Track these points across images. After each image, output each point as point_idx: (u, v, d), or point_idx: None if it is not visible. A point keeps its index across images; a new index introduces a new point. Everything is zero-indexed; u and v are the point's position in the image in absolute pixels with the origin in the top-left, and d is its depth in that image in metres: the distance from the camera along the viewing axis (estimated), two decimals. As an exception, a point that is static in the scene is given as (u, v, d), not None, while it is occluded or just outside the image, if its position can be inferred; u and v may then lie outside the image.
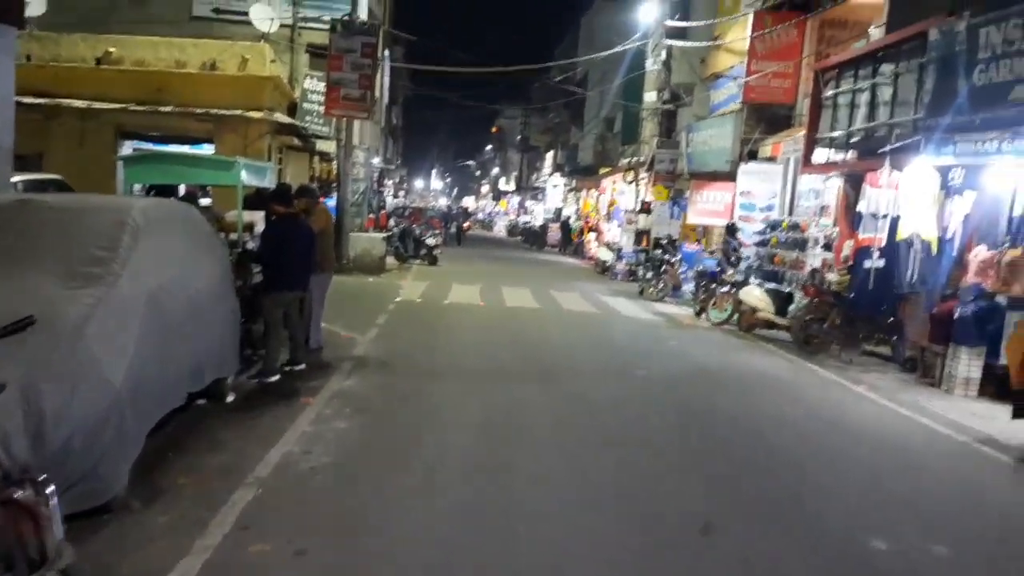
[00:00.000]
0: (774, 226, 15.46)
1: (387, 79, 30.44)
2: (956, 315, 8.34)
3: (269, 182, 8.00)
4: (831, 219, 14.98)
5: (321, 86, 17.45)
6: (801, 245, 14.56)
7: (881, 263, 9.25)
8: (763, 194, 16.24)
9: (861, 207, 9.47)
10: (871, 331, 10.13)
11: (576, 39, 41.66)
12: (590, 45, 33.41)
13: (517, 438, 5.69)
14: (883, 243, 9.26)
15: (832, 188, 14.94)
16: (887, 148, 9.28)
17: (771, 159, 16.29)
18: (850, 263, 11.67)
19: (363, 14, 17.58)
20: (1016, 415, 6.37)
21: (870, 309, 9.63)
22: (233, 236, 7.62)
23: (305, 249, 7.22)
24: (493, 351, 8.98)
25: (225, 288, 5.96)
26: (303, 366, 7.30)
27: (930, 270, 9.18)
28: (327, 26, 16.30)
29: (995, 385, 8.27)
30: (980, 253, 8.67)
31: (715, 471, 5.33)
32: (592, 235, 27.70)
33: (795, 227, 14.86)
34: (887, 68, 10.86)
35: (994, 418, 7.25)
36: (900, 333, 10.00)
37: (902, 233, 9.17)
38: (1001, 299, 8.19)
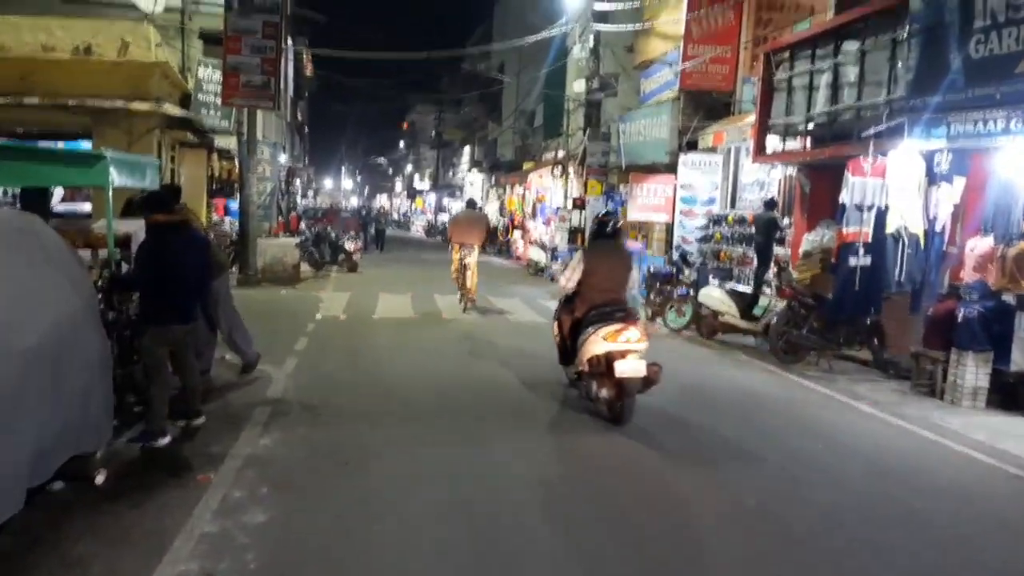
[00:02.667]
0: (717, 220, 14.63)
1: (291, 69, 28.32)
2: (959, 317, 7.47)
3: (151, 182, 6.30)
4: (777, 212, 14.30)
5: (218, 75, 15.49)
6: (748, 240, 13.75)
7: (867, 260, 8.32)
8: (704, 187, 15.37)
9: (843, 198, 8.52)
10: (850, 335, 9.22)
11: (489, 30, 40.35)
12: (504, 36, 32.15)
13: (497, 523, 4.28)
14: (869, 238, 8.31)
15: (776, 179, 14.24)
16: (871, 132, 8.35)
17: (712, 149, 15.41)
18: (813, 259, 10.91)
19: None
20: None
21: (856, 311, 8.71)
22: (104, 252, 5.89)
23: (198, 267, 5.62)
24: (441, 381, 7.50)
25: (87, 329, 4.32)
26: (202, 419, 5.70)
27: (918, 267, 8.32)
28: (222, 9, 14.38)
29: (1002, 394, 7.47)
30: (978, 246, 7.83)
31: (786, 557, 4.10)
32: (518, 233, 26.50)
33: (741, 221, 14.04)
34: (851, 46, 9.98)
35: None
36: (881, 336, 9.15)
37: (890, 226, 8.25)
38: (1009, 298, 7.36)
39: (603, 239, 7.02)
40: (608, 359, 6.18)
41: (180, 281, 5.42)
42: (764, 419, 6.74)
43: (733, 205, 15.21)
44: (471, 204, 14.99)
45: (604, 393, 6.29)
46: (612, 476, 5.11)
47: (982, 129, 7.19)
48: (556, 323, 7.38)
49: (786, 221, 13.60)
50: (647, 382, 6.23)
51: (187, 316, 5.61)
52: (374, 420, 6.03)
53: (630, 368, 6.05)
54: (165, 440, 5.24)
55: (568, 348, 6.96)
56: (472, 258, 12.34)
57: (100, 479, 4.46)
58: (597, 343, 6.25)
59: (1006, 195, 7.48)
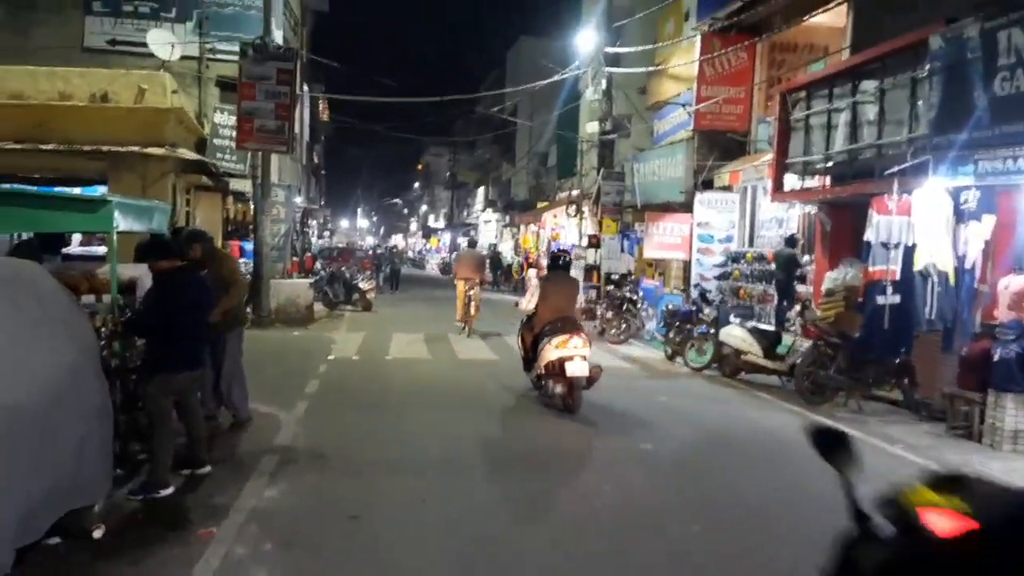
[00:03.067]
0: (736, 258, 14.44)
1: (307, 114, 28.66)
2: (995, 357, 7.16)
3: (159, 226, 6.20)
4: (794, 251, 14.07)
5: (233, 120, 15.63)
6: (767, 278, 13.53)
7: (896, 299, 8.06)
8: (722, 225, 15.21)
9: (869, 236, 8.30)
10: (879, 374, 8.91)
11: (503, 75, 40.84)
12: (516, 81, 32.48)
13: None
14: (897, 276, 8.06)
15: (796, 217, 14.05)
16: (895, 169, 8.15)
17: (728, 188, 15.27)
18: (836, 296, 10.65)
19: (278, 40, 15.86)
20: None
21: (885, 350, 8.41)
22: (108, 298, 5.75)
23: (203, 313, 5.48)
24: (456, 426, 7.23)
25: (85, 378, 4.15)
26: (207, 469, 5.48)
27: (949, 305, 8.03)
28: (238, 56, 14.52)
29: (1042, 438, 7.12)
30: (1012, 284, 7.56)
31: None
32: (532, 271, 26.35)
33: (760, 258, 13.84)
34: (869, 85, 9.86)
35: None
36: (911, 376, 8.83)
37: (918, 264, 8.00)
38: (1047, 337, 7.06)
39: (557, 270, 8.96)
40: (560, 362, 7.76)
41: (187, 326, 5.27)
42: (798, 470, 6.41)
43: (751, 243, 15.02)
44: (472, 244, 17.85)
45: (559, 390, 7.87)
46: (632, 536, 4.83)
47: (1012, 167, 6.99)
48: (519, 338, 8.94)
49: (806, 258, 13.40)
50: (590, 380, 7.91)
51: (195, 362, 5.45)
52: (386, 470, 5.78)
53: (577, 369, 7.70)
54: (168, 491, 5.03)
55: (529, 358, 8.50)
56: (474, 291, 14.31)
57: (98, 534, 4.26)
58: (551, 350, 7.83)
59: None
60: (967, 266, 8.03)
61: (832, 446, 2.13)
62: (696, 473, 6.15)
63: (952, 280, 8.05)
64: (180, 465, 5.43)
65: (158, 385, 5.17)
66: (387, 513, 4.86)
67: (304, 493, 5.15)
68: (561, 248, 9.08)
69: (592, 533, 4.72)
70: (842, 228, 11.86)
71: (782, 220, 14.52)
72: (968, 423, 7.67)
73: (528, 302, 8.71)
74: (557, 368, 7.77)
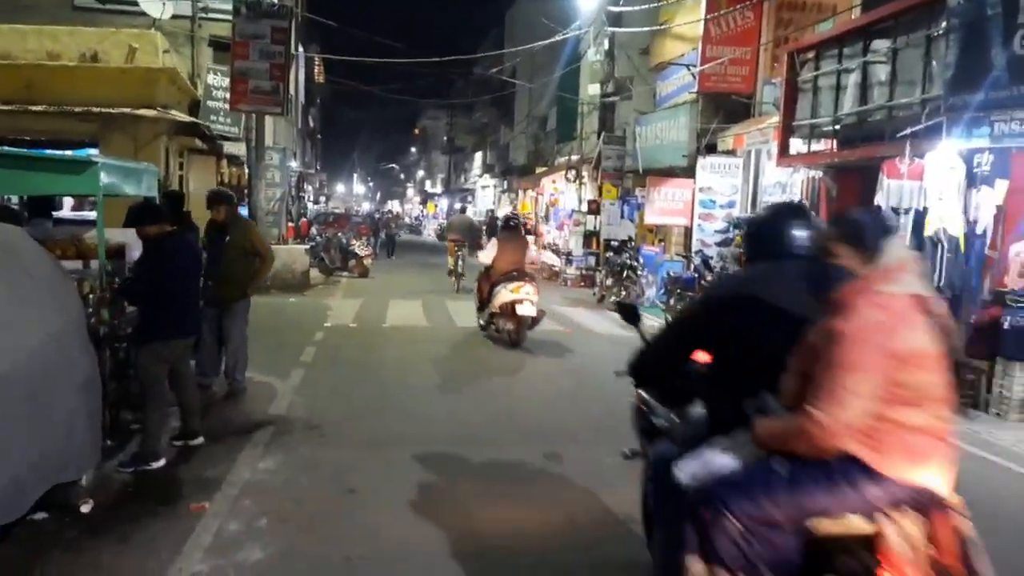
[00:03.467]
0: (738, 224, 14.19)
1: (302, 76, 28.15)
2: (1006, 325, 7.01)
3: (149, 189, 5.98)
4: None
5: (227, 81, 15.25)
6: (769, 244, 13.34)
7: (905, 266, 7.86)
8: (724, 190, 14.93)
9: (879, 200, 8.09)
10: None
11: (501, 35, 40.09)
12: (515, 42, 31.84)
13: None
14: (907, 242, 7.86)
15: (799, 182, 13.80)
16: (907, 132, 7.91)
17: (731, 152, 14.97)
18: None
19: (272, -3, 15.41)
20: None
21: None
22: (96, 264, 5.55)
23: (194, 279, 5.30)
24: (459, 399, 7.07)
25: (72, 349, 3.98)
26: (200, 439, 5.35)
27: (958, 272, 7.85)
28: (231, 19, 14.09)
29: (1051, 407, 7.00)
30: (1023, 251, 7.38)
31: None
32: (530, 238, 26.13)
33: (763, 224, 13.62)
34: (881, 44, 9.55)
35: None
36: (915, 344, 8.69)
37: (928, 229, 7.81)
38: (1059, 305, 6.90)
39: (509, 230, 10.71)
40: (512, 304, 9.39)
41: (178, 293, 5.08)
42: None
43: (754, 208, 14.78)
44: (462, 210, 20.37)
45: (509, 327, 9.56)
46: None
47: (1030, 127, 6.75)
48: (477, 284, 10.54)
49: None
50: (535, 320, 9.60)
51: (188, 328, 5.28)
52: (383, 442, 5.64)
53: (526, 309, 9.40)
54: (159, 463, 4.89)
55: (484, 302, 10.03)
56: (461, 251, 16.48)
57: (86, 508, 4.13)
58: (506, 294, 9.44)
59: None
60: (978, 232, 7.82)
61: (629, 315, 3.65)
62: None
63: (962, 246, 7.86)
64: (173, 436, 5.30)
65: (150, 353, 5.00)
66: (385, 487, 4.73)
67: (299, 465, 5.02)
68: (513, 213, 12.67)
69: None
70: (848, 194, 11.60)
71: (786, 185, 14.24)
72: (973, 392, 7.56)
73: (488, 256, 10.13)
74: (509, 309, 9.41)
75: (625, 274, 13.95)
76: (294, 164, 24.77)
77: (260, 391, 6.79)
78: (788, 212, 2.77)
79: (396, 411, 6.52)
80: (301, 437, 5.61)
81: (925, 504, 2.22)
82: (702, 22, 15.22)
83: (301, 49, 25.68)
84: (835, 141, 10.87)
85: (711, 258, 12.85)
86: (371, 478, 4.84)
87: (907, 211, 7.93)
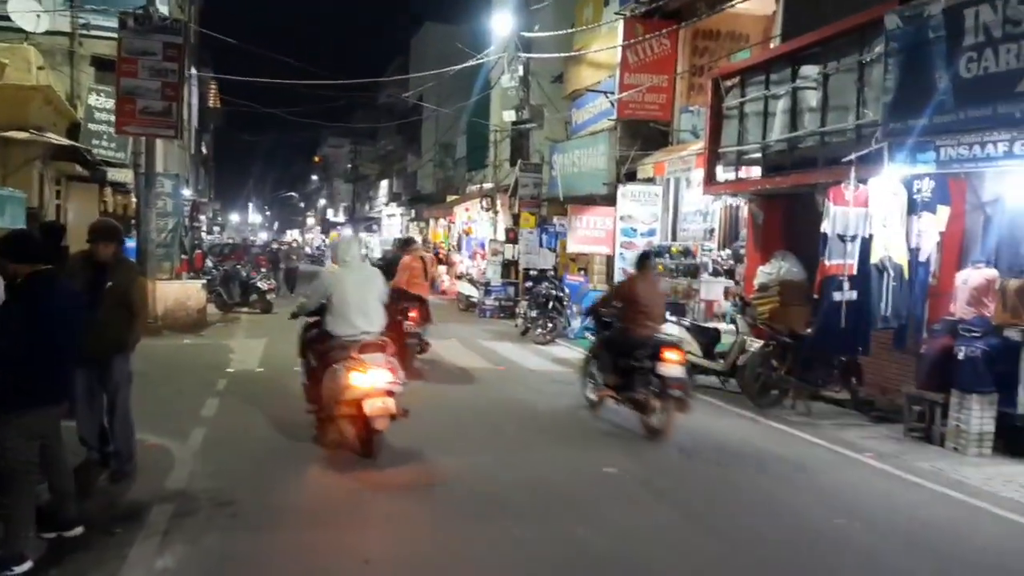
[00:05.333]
0: (659, 252, 13.97)
1: (195, 99, 26.55)
2: (960, 355, 6.80)
3: (12, 218, 4.90)
4: (715, 243, 13.76)
5: (111, 103, 13.89)
6: (693, 272, 13.16)
7: (853, 295, 7.62)
8: (645, 218, 14.73)
9: (825, 228, 7.83)
10: (827, 375, 8.51)
11: (406, 63, 39.42)
12: (421, 69, 31.25)
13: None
14: (854, 271, 7.62)
15: (719, 209, 13.70)
16: (852, 157, 7.70)
17: (651, 180, 14.78)
18: (770, 292, 10.27)
19: (164, 10, 14.22)
20: None
21: (842, 349, 7.99)
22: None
23: (73, 330, 4.26)
24: (401, 457, 6.15)
25: None
26: (79, 529, 4.29)
27: (903, 300, 7.66)
28: (117, 32, 12.79)
29: (1006, 438, 6.82)
30: (971, 278, 7.24)
31: None
32: (443, 268, 25.35)
33: (686, 252, 13.44)
34: (810, 70, 9.48)
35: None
36: (859, 375, 8.48)
37: (874, 257, 7.59)
38: (1013, 334, 6.74)
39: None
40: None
41: (53, 352, 4.06)
42: (772, 487, 5.79)
43: (674, 236, 14.62)
44: (405, 244, 17.03)
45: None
46: None
47: (979, 153, 6.60)
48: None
49: (726, 252, 13.08)
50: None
51: (61, 394, 4.24)
52: (311, 520, 4.73)
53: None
54: (24, 567, 3.83)
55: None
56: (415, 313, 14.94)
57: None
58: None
59: (1012, 225, 6.89)
60: (921, 259, 7.67)
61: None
62: (678, 499, 5.40)
63: (906, 274, 7.69)
64: (43, 527, 4.22)
65: (18, 427, 3.94)
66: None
67: (208, 563, 4.05)
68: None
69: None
70: (774, 221, 11.52)
71: (706, 213, 14.18)
72: (924, 424, 7.33)
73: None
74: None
75: (551, 305, 13.38)
76: (187, 192, 23.11)
77: (153, 458, 5.69)
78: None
79: (323, 475, 5.60)
80: (208, 520, 4.61)
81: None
82: (619, 49, 15.07)
83: (194, 70, 24.18)
84: (762, 168, 10.70)
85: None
86: (302, 574, 3.94)
87: (853, 238, 7.69)
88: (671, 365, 6.86)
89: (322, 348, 6.24)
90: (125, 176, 16.65)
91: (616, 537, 4.61)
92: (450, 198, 28.04)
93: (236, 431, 6.74)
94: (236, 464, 5.76)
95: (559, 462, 6.19)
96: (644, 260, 7.91)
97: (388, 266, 12.16)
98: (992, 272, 7.07)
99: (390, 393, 5.75)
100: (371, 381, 5.69)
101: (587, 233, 15.04)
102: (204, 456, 5.87)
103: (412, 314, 9.82)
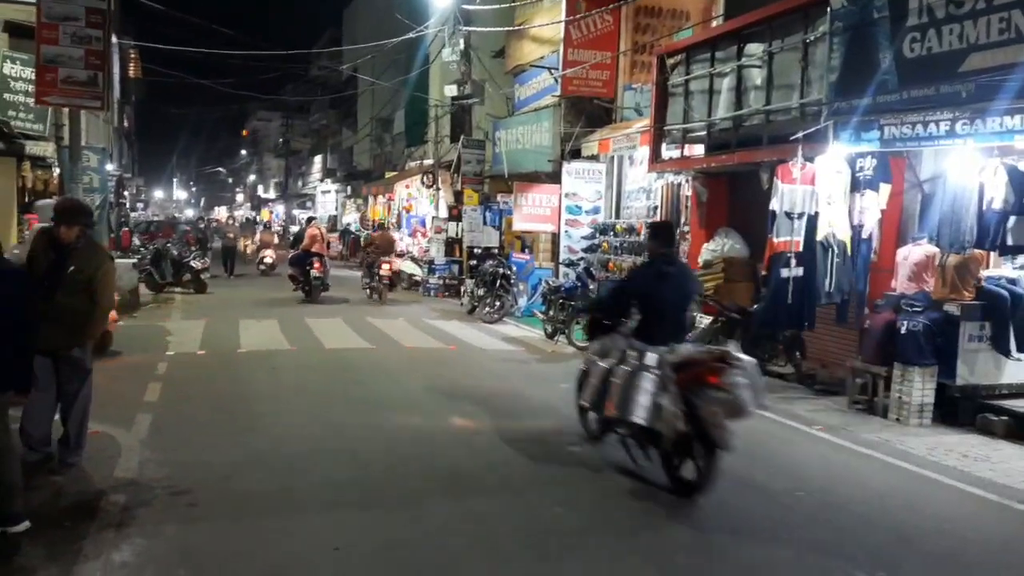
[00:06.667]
0: (604, 230, 14.08)
1: (116, 69, 25.22)
2: (903, 330, 7.05)
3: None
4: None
5: (28, 72, 13.07)
6: (637, 250, 13.26)
7: (800, 271, 7.80)
8: (589, 195, 14.75)
9: (774, 205, 7.97)
10: (773, 349, 8.73)
11: (338, 35, 38.38)
12: (354, 41, 30.43)
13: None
14: (800, 247, 7.80)
15: (661, 187, 13.83)
16: (799, 135, 7.84)
17: (595, 157, 14.80)
18: (715, 268, 10.46)
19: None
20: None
21: (789, 324, 8.19)
22: None
23: (15, 315, 3.98)
24: (350, 443, 5.94)
25: None
26: (25, 524, 4.04)
27: (846, 276, 7.89)
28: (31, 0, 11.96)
29: (943, 409, 7.12)
30: (912, 254, 7.50)
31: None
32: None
33: (630, 230, 13.55)
34: (756, 48, 9.58)
35: (992, 459, 5.98)
36: (802, 349, 8.72)
37: (819, 234, 7.78)
38: (953, 308, 7.02)
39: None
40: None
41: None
42: (728, 460, 5.88)
43: (618, 214, 14.71)
44: (309, 220, 19.44)
45: None
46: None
47: (922, 132, 6.78)
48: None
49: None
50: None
51: (5, 380, 3.96)
52: (272, 506, 4.57)
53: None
54: (-34, 567, 3.59)
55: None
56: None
57: None
58: None
59: (953, 203, 7.14)
60: (864, 236, 7.90)
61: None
62: (641, 477, 5.45)
63: (849, 250, 7.91)
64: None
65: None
66: (293, 574, 3.72)
67: (169, 553, 3.87)
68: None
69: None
70: (718, 198, 11.69)
71: (649, 191, 14.30)
72: (867, 396, 7.60)
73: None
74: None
75: (498, 283, 13.32)
76: (111, 167, 22.03)
77: (99, 446, 5.41)
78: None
79: (277, 461, 5.42)
80: (165, 509, 4.41)
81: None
82: (562, 24, 14.97)
83: (115, 38, 22.93)
84: (707, 146, 10.82)
85: (592, 265, 12.54)
86: (270, 565, 3.81)
87: (800, 215, 7.85)
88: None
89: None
90: (45, 150, 15.72)
91: (583, 511, 4.62)
92: (389, 174, 27.57)
93: (183, 416, 6.49)
94: (187, 451, 5.54)
95: (524, 441, 6.17)
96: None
97: (298, 237, 18.71)
98: (932, 248, 7.33)
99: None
100: None
101: (532, 211, 14.98)
102: (152, 443, 5.63)
103: (316, 265, 15.11)
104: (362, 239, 26.79)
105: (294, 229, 35.01)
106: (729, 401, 4.61)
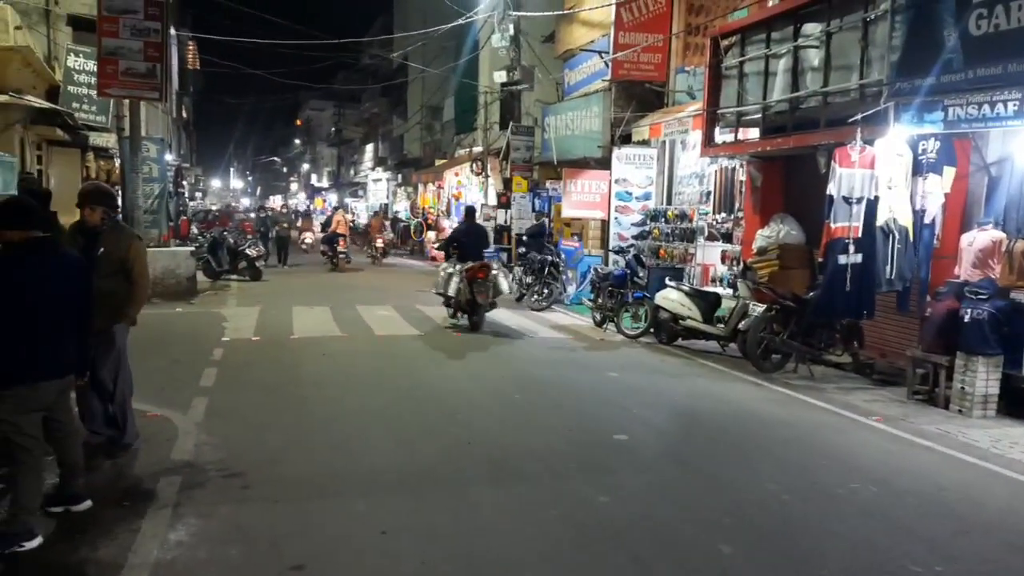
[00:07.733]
0: (655, 216, 13.89)
1: (175, 61, 25.86)
2: (966, 318, 6.79)
3: (3, 184, 4.70)
4: (711, 206, 13.64)
5: (91, 64, 13.50)
6: (689, 236, 13.06)
7: (858, 258, 7.56)
8: (639, 181, 14.57)
9: (831, 190, 7.73)
10: (830, 338, 8.51)
11: (390, 23, 38.59)
12: (405, 29, 30.56)
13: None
14: (859, 233, 7.56)
15: (713, 172, 13.55)
16: (858, 118, 7.59)
17: (646, 142, 14.59)
18: (769, 255, 10.23)
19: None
20: None
21: (847, 313, 7.96)
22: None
23: (75, 299, 4.10)
24: (401, 426, 6.05)
25: None
26: (87, 503, 4.20)
27: (908, 263, 7.62)
28: (95, -7, 12.33)
29: (1009, 400, 6.85)
30: (977, 240, 7.20)
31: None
32: (432, 234, 25.15)
33: (682, 216, 13.34)
34: (813, 28, 9.28)
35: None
36: (860, 338, 8.48)
37: (879, 219, 7.53)
38: (1020, 296, 6.73)
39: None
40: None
41: (48, 322, 3.92)
42: (783, 452, 5.78)
43: (670, 200, 14.49)
44: (336, 209, 24.06)
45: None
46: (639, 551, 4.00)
47: (989, 112, 6.50)
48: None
49: (722, 216, 12.97)
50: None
51: (61, 367, 4.09)
52: (323, 489, 4.65)
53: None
54: (34, 543, 3.74)
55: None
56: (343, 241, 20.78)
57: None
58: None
59: (1020, 186, 6.82)
60: (926, 221, 7.62)
61: None
62: (698, 474, 5.38)
63: (911, 236, 7.64)
64: (50, 502, 4.13)
65: (13, 403, 3.82)
66: (341, 556, 3.78)
67: (221, 533, 3.97)
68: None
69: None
70: (773, 183, 11.42)
71: (702, 176, 14.04)
72: (928, 387, 7.35)
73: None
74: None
75: (547, 271, 13.27)
76: (170, 157, 22.65)
77: (156, 429, 5.60)
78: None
79: (330, 445, 5.52)
80: (219, 491, 4.54)
81: None
82: (613, 7, 14.76)
83: (173, 30, 23.52)
84: (762, 129, 10.56)
85: (642, 252, 12.40)
86: (320, 545, 3.88)
87: (859, 200, 7.61)
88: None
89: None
90: (107, 140, 16.28)
91: (631, 502, 4.58)
92: (438, 162, 27.70)
93: (238, 401, 6.64)
94: (241, 434, 5.67)
95: (571, 430, 6.14)
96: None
97: (327, 223, 24.90)
98: (999, 234, 7.03)
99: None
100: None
101: (581, 197, 14.87)
102: (208, 427, 5.77)
103: (341, 243, 20.19)
104: (412, 228, 27.01)
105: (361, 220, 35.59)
106: (490, 285, 10.59)
